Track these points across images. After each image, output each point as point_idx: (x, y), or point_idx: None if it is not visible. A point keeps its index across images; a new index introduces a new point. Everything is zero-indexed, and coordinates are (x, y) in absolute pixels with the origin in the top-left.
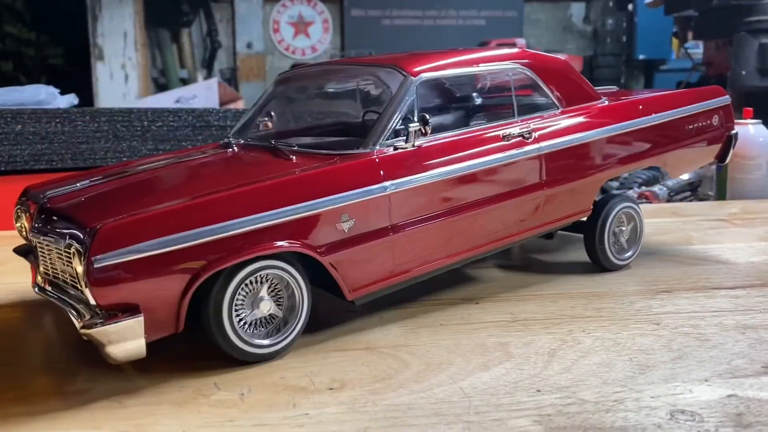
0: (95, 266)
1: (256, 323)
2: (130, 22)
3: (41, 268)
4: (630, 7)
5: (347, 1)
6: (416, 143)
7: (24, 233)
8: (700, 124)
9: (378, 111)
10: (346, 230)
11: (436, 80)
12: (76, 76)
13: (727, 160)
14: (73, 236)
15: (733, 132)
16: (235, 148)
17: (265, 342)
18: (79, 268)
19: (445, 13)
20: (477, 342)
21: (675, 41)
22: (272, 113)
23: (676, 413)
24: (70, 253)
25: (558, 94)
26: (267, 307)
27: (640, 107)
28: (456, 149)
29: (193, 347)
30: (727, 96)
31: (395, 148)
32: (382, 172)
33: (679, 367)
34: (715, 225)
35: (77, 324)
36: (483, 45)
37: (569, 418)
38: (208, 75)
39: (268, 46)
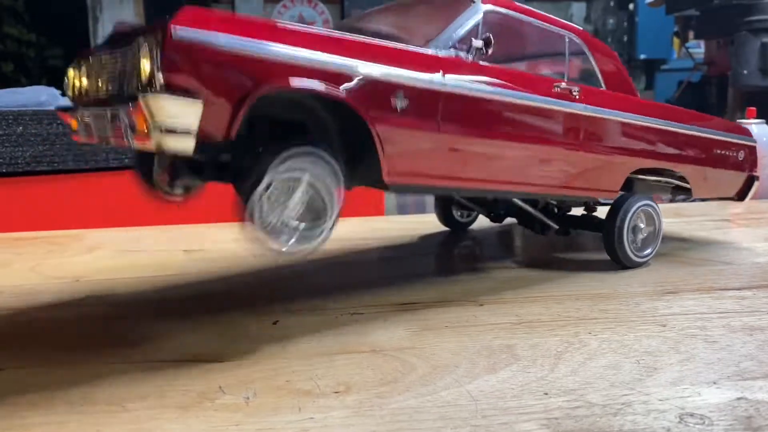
0: (173, 36)
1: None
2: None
3: (96, 92)
4: (631, 6)
5: (348, 1)
6: (477, 60)
7: (73, 84)
8: (728, 153)
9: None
10: (398, 108)
11: (504, 16)
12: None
13: (746, 201)
14: (148, 30)
15: (756, 174)
16: None
17: (287, 238)
18: (148, 57)
19: None
20: (483, 344)
21: (676, 41)
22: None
23: (686, 416)
24: (143, 45)
25: (605, 76)
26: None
27: (677, 113)
28: (511, 79)
29: (198, 350)
30: (755, 138)
31: (457, 56)
32: (441, 71)
33: (687, 370)
34: (720, 225)
35: (134, 108)
36: None
37: (577, 421)
38: None
39: None
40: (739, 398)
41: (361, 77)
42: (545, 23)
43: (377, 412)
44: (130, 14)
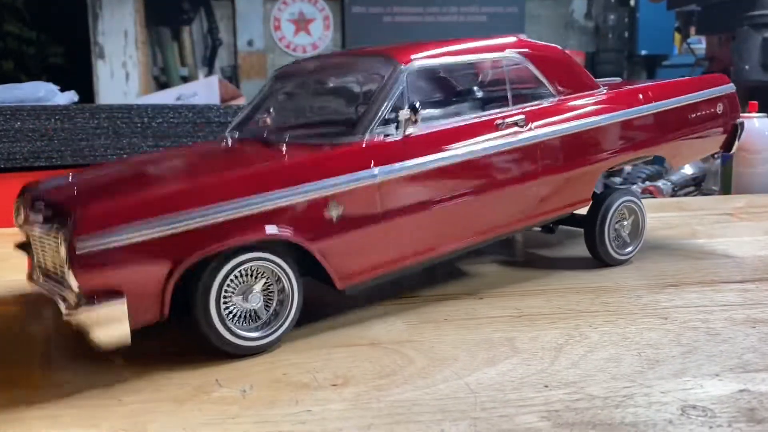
0: (77, 250)
1: (244, 316)
2: (131, 20)
3: (36, 260)
4: (632, 2)
5: None
6: (407, 132)
7: (17, 221)
8: (704, 112)
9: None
10: (334, 218)
11: (428, 69)
12: (77, 74)
13: (734, 150)
14: (58, 222)
15: (739, 121)
16: (230, 141)
17: (255, 335)
18: (63, 253)
19: (446, 9)
20: (482, 337)
21: (677, 36)
22: (270, 109)
23: (688, 408)
24: (57, 239)
25: (554, 82)
26: (256, 300)
27: (640, 96)
28: (448, 138)
29: (194, 343)
30: (732, 84)
31: (386, 137)
32: (372, 161)
33: (689, 362)
34: (721, 219)
35: (63, 311)
36: None
37: (578, 413)
38: (209, 73)
39: (269, 43)
40: (741, 390)
41: (286, 205)
42: (474, 55)
43: (375, 404)
44: (130, 11)
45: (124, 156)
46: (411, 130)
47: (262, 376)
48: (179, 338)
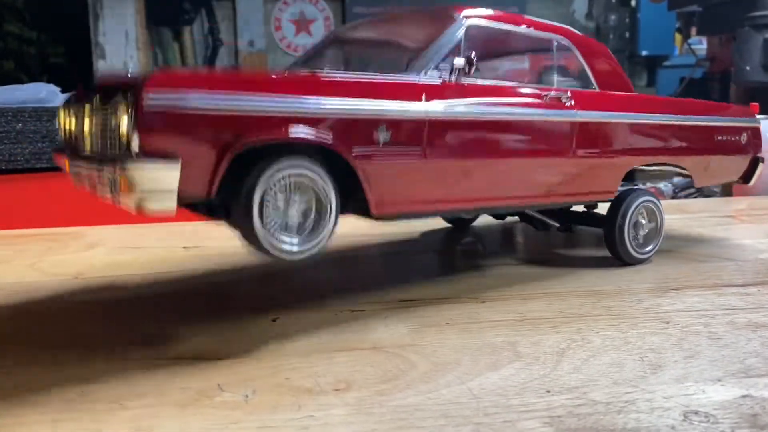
0: (147, 100)
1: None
2: (132, 20)
3: (83, 143)
4: (633, 2)
5: None
6: (460, 80)
7: (64, 127)
8: (729, 138)
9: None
10: (381, 142)
11: (487, 29)
12: (78, 74)
13: (752, 182)
14: (125, 88)
15: (760, 155)
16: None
17: (294, 240)
18: (126, 116)
19: None
20: (485, 341)
21: (678, 37)
22: (324, 63)
23: (690, 414)
24: (120, 102)
25: (596, 75)
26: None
27: (674, 106)
28: (496, 94)
29: (197, 348)
30: (757, 118)
31: (440, 80)
32: (424, 96)
33: (691, 367)
34: (723, 222)
35: (115, 171)
36: None
37: (580, 419)
38: None
39: (270, 44)
40: (744, 396)
41: (339, 117)
42: (530, 29)
43: (378, 409)
44: (132, 12)
45: None
46: (463, 81)
47: (265, 380)
48: (181, 341)
